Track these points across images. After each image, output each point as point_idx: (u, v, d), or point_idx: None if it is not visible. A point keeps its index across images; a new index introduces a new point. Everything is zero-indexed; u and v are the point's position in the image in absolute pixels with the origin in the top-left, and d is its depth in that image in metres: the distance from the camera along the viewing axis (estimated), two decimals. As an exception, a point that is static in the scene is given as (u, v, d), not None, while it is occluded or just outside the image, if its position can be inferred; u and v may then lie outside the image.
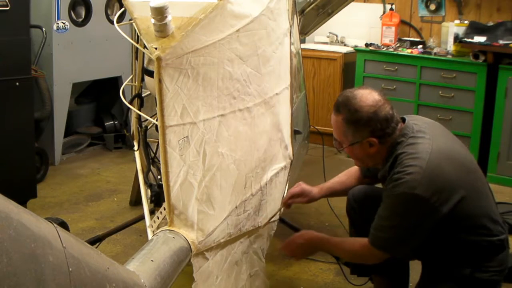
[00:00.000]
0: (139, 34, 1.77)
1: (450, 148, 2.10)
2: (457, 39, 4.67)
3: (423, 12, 5.20)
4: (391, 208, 2.04)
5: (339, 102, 2.13)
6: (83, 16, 4.56)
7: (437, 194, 1.96)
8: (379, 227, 2.07)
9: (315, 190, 2.55)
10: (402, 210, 2.02)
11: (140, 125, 2.55)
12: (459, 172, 2.03)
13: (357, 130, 2.09)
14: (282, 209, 2.56)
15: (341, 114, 2.11)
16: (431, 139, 2.06)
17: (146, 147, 2.53)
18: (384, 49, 4.99)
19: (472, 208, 2.03)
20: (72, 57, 4.49)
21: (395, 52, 4.90)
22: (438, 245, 2.11)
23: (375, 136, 2.08)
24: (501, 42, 4.41)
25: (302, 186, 2.55)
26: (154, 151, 2.54)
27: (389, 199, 2.04)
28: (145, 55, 2.37)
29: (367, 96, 2.08)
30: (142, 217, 2.82)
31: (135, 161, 2.71)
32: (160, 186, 2.27)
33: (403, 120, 2.17)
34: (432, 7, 5.12)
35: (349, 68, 5.16)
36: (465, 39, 4.59)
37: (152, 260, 1.54)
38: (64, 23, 4.39)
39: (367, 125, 2.07)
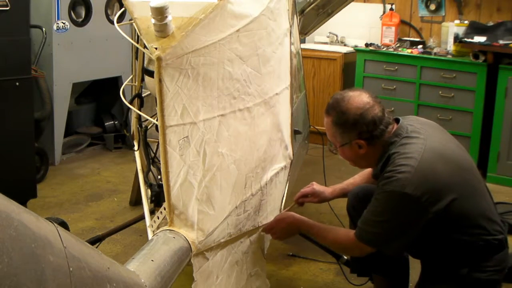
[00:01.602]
0: (139, 34, 1.77)
1: (444, 148, 2.09)
2: (457, 39, 4.67)
3: (423, 12, 5.20)
4: (381, 204, 2.04)
5: (329, 104, 2.16)
6: (83, 16, 4.56)
7: (427, 193, 1.96)
8: (368, 221, 2.07)
9: (328, 190, 2.57)
10: (392, 208, 2.02)
11: (140, 125, 2.55)
12: (452, 172, 2.03)
13: (344, 132, 2.11)
14: (293, 207, 2.61)
15: (330, 116, 2.14)
16: (425, 139, 2.06)
17: (146, 147, 2.53)
18: (384, 49, 4.99)
19: (465, 208, 2.02)
20: (72, 57, 4.49)
21: (395, 52, 4.90)
22: (434, 244, 2.11)
23: (362, 138, 2.09)
24: (501, 42, 4.41)
25: (314, 186, 2.58)
26: (154, 151, 2.54)
27: (380, 196, 2.05)
28: (145, 55, 2.37)
29: (355, 99, 2.09)
30: (142, 217, 2.82)
31: (135, 161, 2.71)
32: (160, 186, 2.27)
33: (397, 121, 2.17)
34: (432, 7, 5.13)
35: (349, 68, 5.17)
36: (465, 39, 4.59)
37: (152, 260, 1.54)
38: (64, 23, 4.39)
39: (354, 128, 2.09)
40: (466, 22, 4.81)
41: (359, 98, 2.10)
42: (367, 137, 2.09)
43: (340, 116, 2.10)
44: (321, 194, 2.56)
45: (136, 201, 3.75)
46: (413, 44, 5.00)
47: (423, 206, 1.97)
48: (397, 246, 2.09)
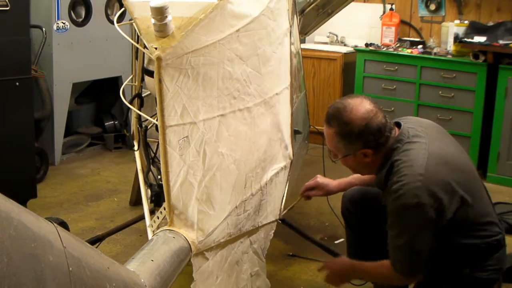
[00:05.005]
0: (139, 34, 1.78)
1: (445, 152, 2.06)
2: (457, 39, 4.67)
3: (423, 12, 5.20)
4: (398, 222, 2.00)
5: (330, 114, 2.08)
6: (83, 16, 4.56)
7: (438, 200, 1.94)
8: (396, 248, 2.02)
9: (332, 183, 2.54)
10: (408, 221, 1.97)
11: (140, 125, 2.55)
12: (455, 176, 2.01)
13: (349, 143, 2.05)
14: (300, 201, 2.65)
15: (333, 127, 2.06)
16: (427, 143, 2.03)
17: (146, 147, 2.53)
18: (384, 49, 4.99)
19: (467, 213, 2.01)
20: (72, 57, 4.49)
21: (395, 52, 4.90)
22: (436, 246, 2.11)
23: (368, 148, 2.04)
24: (501, 42, 4.41)
25: (317, 179, 2.56)
26: (154, 151, 2.54)
27: (394, 213, 2.00)
28: (145, 55, 2.37)
29: (358, 108, 2.02)
30: (142, 217, 2.82)
31: (135, 161, 2.71)
32: (160, 186, 2.27)
33: (398, 124, 2.13)
34: (432, 7, 5.13)
35: (349, 68, 5.16)
36: (465, 39, 4.59)
37: (152, 260, 1.54)
38: (64, 23, 4.39)
39: (360, 138, 2.02)
40: (466, 22, 4.80)
41: (362, 106, 2.03)
42: (373, 145, 2.04)
43: (343, 127, 2.03)
44: (325, 187, 2.53)
45: (136, 201, 3.75)
46: (413, 44, 5.00)
47: (438, 211, 1.94)
48: (422, 258, 2.02)
